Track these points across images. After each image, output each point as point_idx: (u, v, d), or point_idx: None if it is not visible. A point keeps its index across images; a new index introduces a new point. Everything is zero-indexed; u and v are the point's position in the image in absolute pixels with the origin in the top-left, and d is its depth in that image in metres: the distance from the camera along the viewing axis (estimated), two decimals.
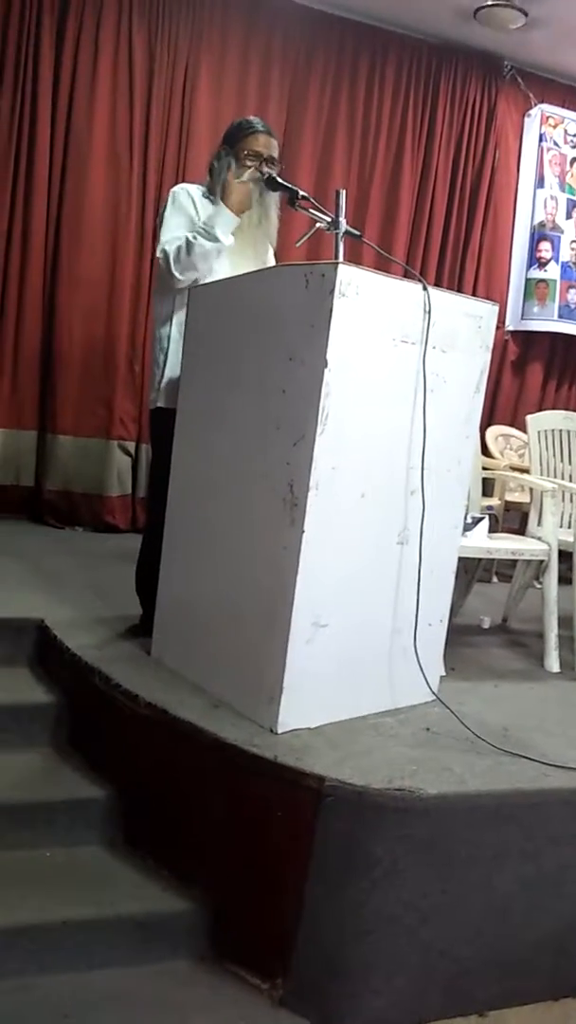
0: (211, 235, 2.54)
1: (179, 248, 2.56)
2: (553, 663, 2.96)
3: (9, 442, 4.29)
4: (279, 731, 2.12)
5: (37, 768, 2.40)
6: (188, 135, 4.39)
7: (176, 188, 2.73)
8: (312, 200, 2.51)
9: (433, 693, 2.40)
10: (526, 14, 4.07)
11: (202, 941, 2.07)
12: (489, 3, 4.04)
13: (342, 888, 1.93)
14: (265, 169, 2.64)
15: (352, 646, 2.25)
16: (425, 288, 2.18)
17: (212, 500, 2.37)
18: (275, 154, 2.69)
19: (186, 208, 2.65)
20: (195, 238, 2.54)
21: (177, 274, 2.57)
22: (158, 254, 2.62)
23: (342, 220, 2.35)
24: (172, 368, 2.62)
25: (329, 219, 2.41)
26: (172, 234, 2.61)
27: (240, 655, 2.25)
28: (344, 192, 2.38)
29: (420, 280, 2.21)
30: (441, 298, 2.24)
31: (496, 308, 2.42)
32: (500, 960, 2.06)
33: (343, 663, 2.24)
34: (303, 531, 2.05)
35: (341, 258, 2.26)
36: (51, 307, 4.29)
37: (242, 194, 2.60)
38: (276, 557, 2.11)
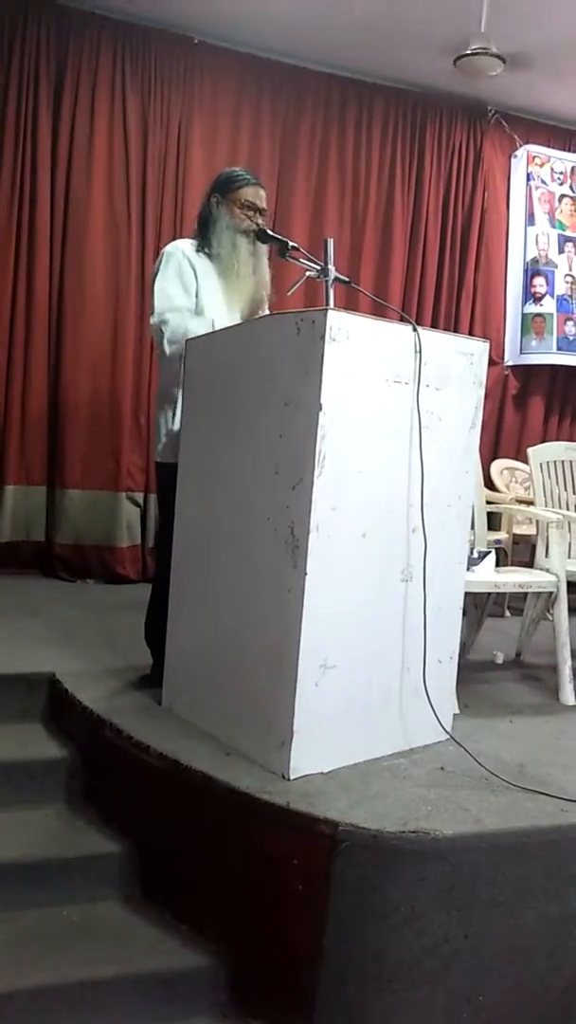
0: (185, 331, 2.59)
1: (174, 326, 2.60)
2: (568, 696, 2.93)
3: (19, 498, 4.34)
4: (291, 777, 2.11)
5: (52, 824, 2.38)
6: (184, 193, 4.51)
7: (169, 248, 2.76)
8: (302, 250, 2.58)
9: (446, 731, 2.38)
10: (504, 61, 4.20)
11: (223, 995, 2.04)
12: (468, 52, 4.17)
13: (361, 935, 1.90)
14: (260, 221, 2.72)
15: (361, 687, 2.24)
16: (415, 329, 2.22)
17: (216, 547, 2.38)
18: (264, 205, 2.77)
19: (181, 271, 2.68)
20: (183, 320, 2.60)
21: (167, 351, 2.63)
22: (153, 321, 2.66)
23: (331, 268, 2.41)
24: (178, 423, 2.66)
25: (319, 267, 2.46)
26: (168, 304, 2.65)
27: (250, 701, 2.24)
28: (332, 241, 2.44)
29: (410, 321, 2.25)
30: (431, 337, 2.27)
31: (487, 345, 2.46)
32: (528, 1004, 2.01)
33: (353, 704, 2.23)
34: (306, 573, 2.06)
35: (331, 304, 2.31)
36: (57, 365, 4.38)
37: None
38: (280, 600, 2.12)
